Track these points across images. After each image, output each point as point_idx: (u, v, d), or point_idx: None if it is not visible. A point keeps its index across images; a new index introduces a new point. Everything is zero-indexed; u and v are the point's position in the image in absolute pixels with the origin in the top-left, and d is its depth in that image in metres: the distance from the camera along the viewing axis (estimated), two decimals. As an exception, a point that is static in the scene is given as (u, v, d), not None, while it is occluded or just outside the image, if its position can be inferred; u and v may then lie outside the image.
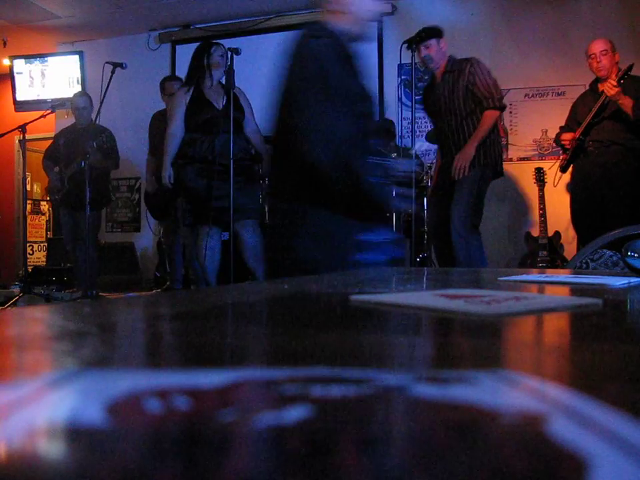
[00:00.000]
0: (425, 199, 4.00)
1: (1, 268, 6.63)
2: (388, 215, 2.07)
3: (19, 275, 5.52)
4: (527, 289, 0.87)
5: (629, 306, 0.69)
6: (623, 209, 3.55)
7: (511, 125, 4.93)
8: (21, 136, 4.34)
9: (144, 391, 0.22)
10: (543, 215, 4.22)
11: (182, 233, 4.27)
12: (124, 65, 3.92)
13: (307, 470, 0.15)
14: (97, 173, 4.22)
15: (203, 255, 3.61)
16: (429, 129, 4.33)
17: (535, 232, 4.32)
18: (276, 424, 0.18)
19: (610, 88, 3.45)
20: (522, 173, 4.73)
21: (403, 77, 5.29)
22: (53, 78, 6.20)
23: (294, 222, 1.78)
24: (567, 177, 4.13)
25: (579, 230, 3.91)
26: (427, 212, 3.98)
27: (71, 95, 4.99)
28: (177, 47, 5.96)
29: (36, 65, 6.23)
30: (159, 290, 4.91)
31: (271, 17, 5.59)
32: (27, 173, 5.20)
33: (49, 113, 4.37)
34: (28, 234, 5.13)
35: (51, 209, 7.74)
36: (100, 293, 4.39)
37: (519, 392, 0.24)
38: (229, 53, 3.56)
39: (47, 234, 8.00)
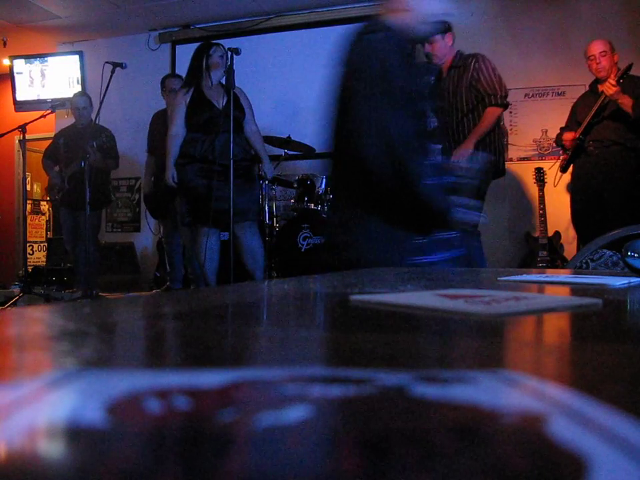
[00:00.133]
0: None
1: (1, 268, 6.63)
2: (449, 226, 1.77)
3: (19, 274, 5.53)
4: (527, 288, 0.87)
5: (629, 306, 0.69)
6: (622, 209, 3.55)
7: (511, 125, 4.93)
8: (21, 136, 4.35)
9: (144, 391, 0.22)
10: (543, 214, 4.21)
11: (181, 233, 4.27)
12: (124, 65, 3.92)
13: (307, 470, 0.15)
14: (97, 173, 4.22)
15: (203, 254, 3.61)
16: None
17: (535, 232, 4.33)
18: (276, 424, 0.18)
19: (609, 87, 3.45)
20: (522, 173, 4.73)
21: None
22: (52, 78, 6.20)
23: (349, 227, 1.68)
24: (567, 177, 4.13)
25: (579, 230, 3.90)
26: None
27: (70, 95, 5.00)
28: (177, 47, 5.96)
29: (36, 65, 6.23)
30: (158, 290, 4.91)
31: (271, 16, 5.59)
32: (27, 173, 5.21)
33: (48, 113, 4.37)
34: (28, 234, 5.13)
35: (51, 208, 7.74)
36: (100, 293, 4.39)
37: (519, 392, 0.24)
38: (229, 53, 3.56)
39: (47, 234, 8.00)
